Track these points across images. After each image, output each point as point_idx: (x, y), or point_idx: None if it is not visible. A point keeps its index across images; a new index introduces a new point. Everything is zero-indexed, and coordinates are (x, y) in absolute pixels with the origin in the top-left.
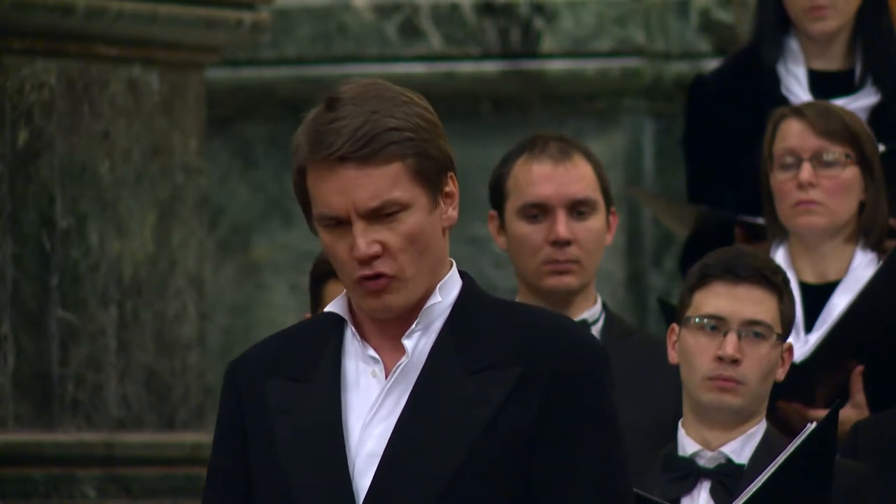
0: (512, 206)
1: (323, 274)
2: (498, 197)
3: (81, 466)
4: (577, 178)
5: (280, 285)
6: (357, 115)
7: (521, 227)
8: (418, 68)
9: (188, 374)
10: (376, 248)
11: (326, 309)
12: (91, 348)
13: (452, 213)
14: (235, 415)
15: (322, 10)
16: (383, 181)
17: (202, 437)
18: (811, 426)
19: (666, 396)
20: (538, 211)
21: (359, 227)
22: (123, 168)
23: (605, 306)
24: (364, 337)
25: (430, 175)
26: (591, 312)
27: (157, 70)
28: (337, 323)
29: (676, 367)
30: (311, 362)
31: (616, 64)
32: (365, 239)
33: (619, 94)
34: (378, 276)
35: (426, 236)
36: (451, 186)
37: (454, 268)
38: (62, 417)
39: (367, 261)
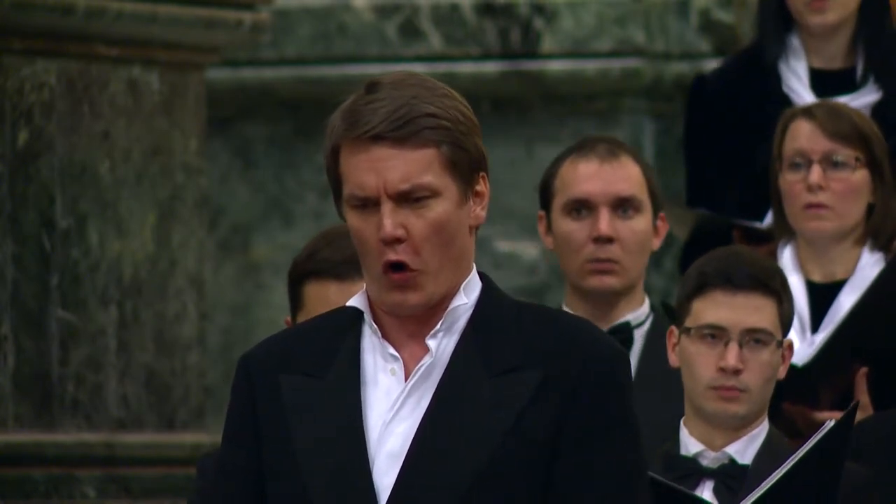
0: (558, 203)
1: (301, 274)
2: (546, 197)
3: (81, 466)
4: (623, 177)
5: (280, 285)
6: (396, 98)
7: (566, 225)
8: (418, 68)
9: (188, 374)
10: (401, 232)
11: (348, 303)
12: (91, 348)
13: (481, 212)
14: (248, 408)
15: (322, 10)
16: (416, 164)
17: (202, 437)
18: (830, 423)
19: None
20: (582, 207)
21: (387, 207)
22: (123, 168)
23: (653, 308)
24: (383, 333)
25: (463, 168)
26: (635, 314)
27: (157, 70)
28: (355, 318)
29: None
30: (327, 357)
31: (616, 64)
32: (392, 220)
33: (619, 94)
34: (401, 265)
35: (452, 228)
36: (482, 186)
37: (474, 268)
38: (62, 417)
39: (392, 242)
